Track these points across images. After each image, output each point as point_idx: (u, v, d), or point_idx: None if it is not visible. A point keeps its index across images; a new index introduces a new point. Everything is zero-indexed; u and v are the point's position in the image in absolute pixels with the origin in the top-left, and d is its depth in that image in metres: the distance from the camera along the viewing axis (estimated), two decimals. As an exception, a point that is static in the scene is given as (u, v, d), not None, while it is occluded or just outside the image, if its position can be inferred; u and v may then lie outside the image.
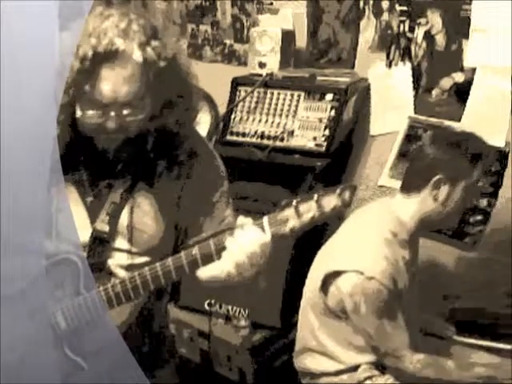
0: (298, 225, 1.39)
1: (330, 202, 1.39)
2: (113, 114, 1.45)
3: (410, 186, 2.09)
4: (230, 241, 1.42)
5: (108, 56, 1.41)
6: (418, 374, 2.04)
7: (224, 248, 1.43)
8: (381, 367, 2.10)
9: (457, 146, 2.05)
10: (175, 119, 1.56)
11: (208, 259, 1.44)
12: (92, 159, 1.57)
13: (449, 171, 2.01)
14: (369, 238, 2.05)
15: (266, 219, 1.41)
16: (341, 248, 2.12)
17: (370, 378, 2.10)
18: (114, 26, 1.42)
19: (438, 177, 2.01)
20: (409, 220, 2.07)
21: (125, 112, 1.45)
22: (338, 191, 1.40)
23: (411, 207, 2.07)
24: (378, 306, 1.97)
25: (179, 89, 1.54)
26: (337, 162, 2.66)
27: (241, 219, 1.45)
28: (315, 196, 1.39)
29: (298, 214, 1.38)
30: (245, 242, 1.40)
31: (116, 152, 1.56)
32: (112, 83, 1.42)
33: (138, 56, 1.42)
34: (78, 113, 1.47)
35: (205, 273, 1.47)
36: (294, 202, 1.39)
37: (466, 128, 2.23)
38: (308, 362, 2.20)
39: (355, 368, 2.10)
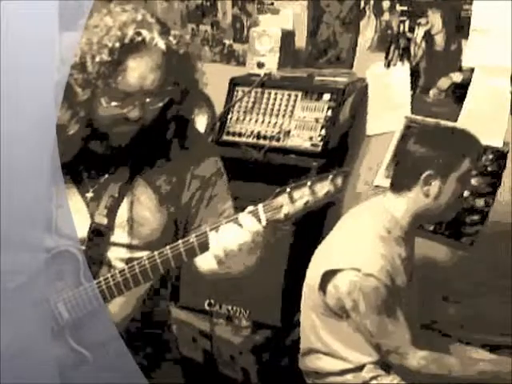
0: (292, 211, 1.41)
1: (323, 187, 1.42)
2: (137, 102, 1.49)
3: (400, 184, 2.09)
4: (225, 228, 1.44)
5: (135, 46, 1.46)
6: (422, 371, 2.03)
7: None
8: (386, 367, 2.10)
9: (442, 141, 2.05)
10: (182, 110, 1.61)
11: (205, 247, 1.46)
12: (93, 156, 1.60)
13: (437, 166, 2.01)
14: (364, 235, 2.05)
15: (260, 206, 1.43)
16: (337, 246, 2.12)
17: (375, 377, 2.09)
18: (131, 19, 1.47)
19: (427, 173, 2.01)
20: (402, 217, 2.07)
21: (147, 100, 1.50)
22: (330, 177, 1.42)
23: (403, 204, 2.07)
24: (377, 304, 1.97)
25: (189, 81, 1.58)
26: (333, 162, 2.64)
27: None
28: (308, 182, 1.41)
29: (292, 199, 1.41)
30: (239, 229, 1.42)
31: (123, 147, 1.58)
32: (139, 72, 1.47)
33: (161, 44, 1.47)
34: (104, 105, 1.50)
35: (201, 261, 1.50)
36: (288, 189, 1.41)
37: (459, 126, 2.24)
38: (313, 362, 2.19)
39: (361, 368, 2.10)
